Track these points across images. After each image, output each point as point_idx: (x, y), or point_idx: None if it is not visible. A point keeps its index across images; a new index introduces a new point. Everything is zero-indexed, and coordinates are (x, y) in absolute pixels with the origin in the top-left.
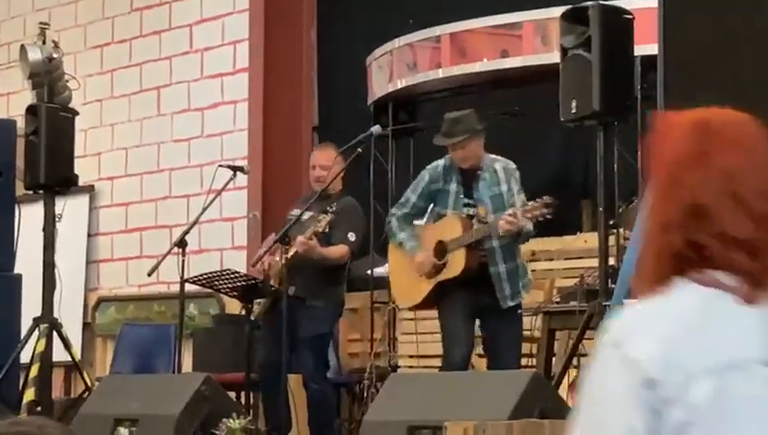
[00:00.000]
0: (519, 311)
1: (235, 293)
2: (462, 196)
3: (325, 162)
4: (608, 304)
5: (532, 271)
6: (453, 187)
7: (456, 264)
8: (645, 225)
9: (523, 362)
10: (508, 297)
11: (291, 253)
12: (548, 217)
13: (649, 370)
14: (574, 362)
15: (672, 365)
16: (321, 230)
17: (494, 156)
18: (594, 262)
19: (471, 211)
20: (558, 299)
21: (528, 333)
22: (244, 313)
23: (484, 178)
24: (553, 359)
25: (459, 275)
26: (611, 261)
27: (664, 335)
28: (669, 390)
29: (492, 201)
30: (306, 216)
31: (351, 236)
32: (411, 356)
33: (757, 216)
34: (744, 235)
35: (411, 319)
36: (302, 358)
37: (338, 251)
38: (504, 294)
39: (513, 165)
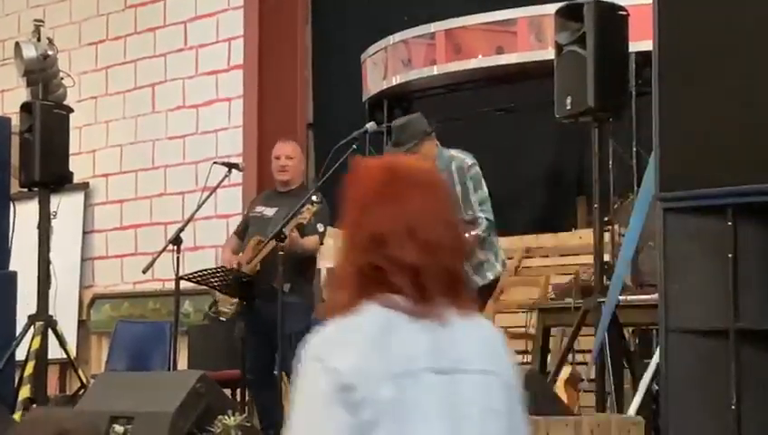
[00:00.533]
0: (485, 294)
1: (229, 290)
2: None
3: (290, 152)
4: (602, 300)
5: (527, 268)
6: None
7: None
8: (339, 253)
9: (519, 358)
10: (476, 279)
11: (266, 250)
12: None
13: (345, 377)
14: (569, 358)
15: (362, 373)
16: (306, 222)
17: (453, 152)
18: (589, 258)
19: None
20: (553, 296)
21: (523, 329)
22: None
23: (462, 177)
24: (548, 356)
25: None
26: (606, 257)
27: (355, 349)
28: (361, 393)
29: None
30: (270, 212)
31: (320, 227)
32: None
33: (424, 245)
34: (410, 260)
35: None
36: (285, 355)
37: (313, 241)
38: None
39: (469, 161)
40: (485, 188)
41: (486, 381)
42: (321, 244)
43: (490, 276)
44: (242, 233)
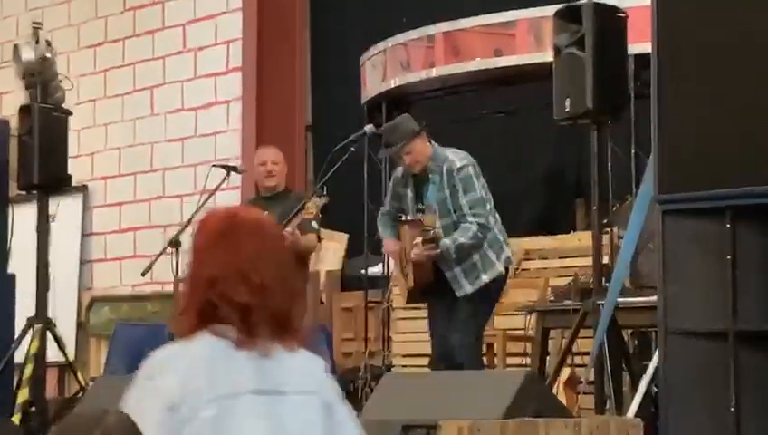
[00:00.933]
0: (483, 295)
1: None
2: (415, 201)
3: (275, 157)
4: (601, 302)
5: (525, 270)
6: (408, 192)
7: (410, 278)
8: (183, 288)
9: (518, 360)
10: (466, 286)
11: None
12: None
13: (172, 397)
14: (568, 360)
15: (188, 394)
16: (312, 216)
17: (449, 153)
18: (588, 260)
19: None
20: (552, 298)
21: (522, 331)
22: None
23: (433, 182)
24: (548, 358)
25: (415, 288)
26: (605, 259)
27: (184, 371)
28: (186, 412)
29: (439, 206)
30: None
31: (315, 225)
32: (405, 355)
33: (254, 287)
34: (240, 299)
35: (405, 318)
36: None
37: (312, 239)
38: (464, 291)
39: (459, 163)
40: (479, 190)
41: (306, 400)
42: (320, 240)
43: (485, 279)
44: None
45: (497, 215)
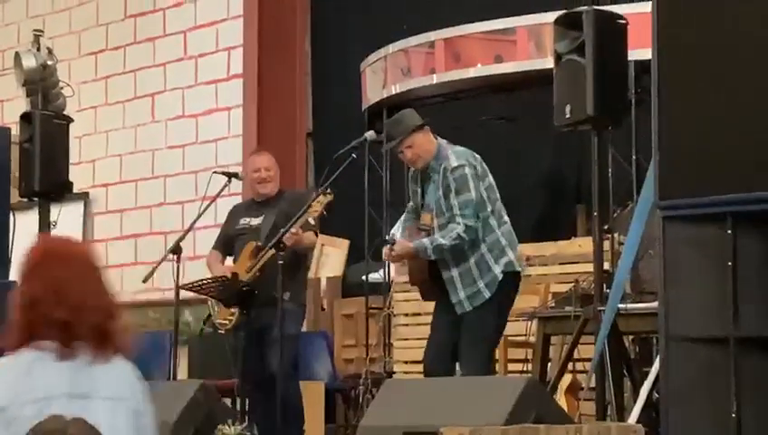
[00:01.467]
0: (483, 310)
1: (229, 298)
2: (422, 199)
3: (268, 164)
4: (602, 308)
5: (527, 276)
6: (418, 189)
7: (408, 273)
8: (13, 310)
9: (519, 367)
10: (464, 301)
11: (266, 258)
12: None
13: (2, 400)
14: (570, 367)
15: (12, 398)
16: (317, 214)
17: (451, 151)
18: (589, 267)
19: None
20: (553, 304)
21: (523, 338)
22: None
23: (433, 181)
24: (549, 364)
25: (412, 283)
26: (606, 266)
27: (8, 379)
28: (11, 413)
29: (436, 205)
30: (256, 222)
31: (312, 221)
32: (406, 362)
33: (70, 306)
34: (59, 317)
35: (406, 324)
36: (275, 359)
37: (311, 236)
38: (458, 298)
39: (454, 163)
40: (474, 192)
41: (115, 405)
42: (317, 235)
43: (480, 285)
44: (223, 247)
45: (505, 217)
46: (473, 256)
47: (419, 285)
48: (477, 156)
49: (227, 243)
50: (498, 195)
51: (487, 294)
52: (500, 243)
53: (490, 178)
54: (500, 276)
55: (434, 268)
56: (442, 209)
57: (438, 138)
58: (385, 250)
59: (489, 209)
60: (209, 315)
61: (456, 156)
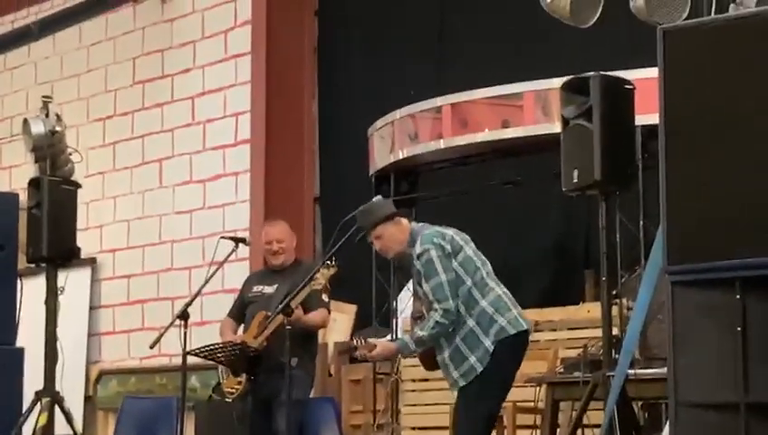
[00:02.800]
0: (478, 384)
1: (236, 365)
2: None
3: (280, 236)
4: (611, 374)
5: (535, 341)
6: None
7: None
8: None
9: (527, 433)
10: (458, 380)
11: (275, 324)
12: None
13: None
14: (579, 433)
15: None
16: (320, 287)
17: (419, 237)
18: (597, 332)
19: None
20: (561, 370)
21: (532, 404)
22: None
23: (415, 267)
24: (558, 430)
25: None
26: (615, 331)
27: None
28: None
29: (421, 294)
30: (270, 290)
31: (326, 298)
32: (414, 428)
33: None
34: None
35: (414, 390)
36: (282, 422)
37: (320, 316)
38: (453, 379)
39: (419, 249)
40: (442, 274)
41: None
42: (329, 312)
43: (473, 361)
44: (237, 314)
45: (491, 284)
46: (459, 332)
47: (419, 358)
48: (449, 233)
49: (241, 310)
50: (481, 263)
51: (479, 368)
52: (487, 313)
53: (467, 249)
54: (491, 348)
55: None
56: (421, 296)
57: (413, 224)
58: (361, 350)
59: (469, 283)
60: (218, 383)
61: (422, 241)
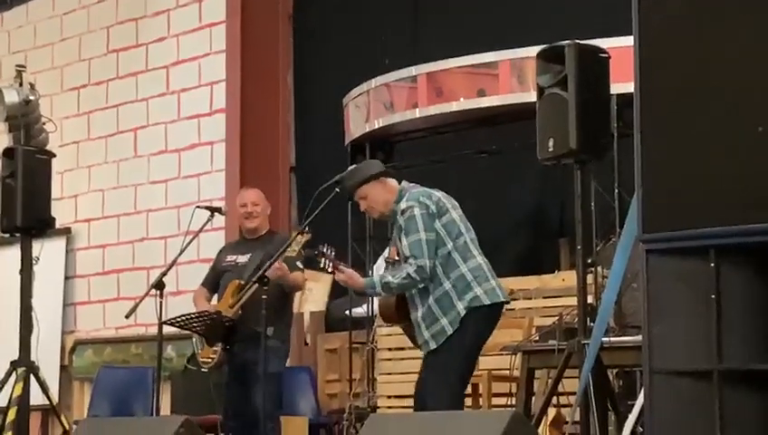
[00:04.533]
0: (447, 348)
1: (212, 334)
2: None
3: (256, 198)
4: (586, 342)
5: (511, 309)
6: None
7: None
8: None
9: (503, 401)
10: (429, 340)
11: (249, 293)
12: (327, 268)
13: None
14: (554, 400)
15: None
16: (294, 254)
17: (407, 195)
18: (573, 300)
19: None
20: (536, 338)
21: (507, 372)
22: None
23: (398, 223)
24: (533, 398)
25: (384, 320)
26: (590, 299)
27: None
28: None
29: (399, 250)
30: (244, 259)
31: (299, 264)
32: (390, 396)
33: None
34: None
35: (390, 359)
36: (259, 396)
37: (299, 277)
38: (423, 338)
39: (403, 205)
40: (422, 232)
41: None
42: (304, 280)
43: (444, 323)
44: (211, 284)
45: (474, 252)
46: (434, 293)
47: (402, 329)
48: (437, 194)
49: (215, 279)
50: (466, 229)
51: (449, 330)
52: (465, 278)
53: (453, 213)
54: (463, 313)
55: (408, 310)
56: (400, 251)
57: (404, 183)
58: (328, 260)
59: (450, 246)
60: (193, 353)
61: (407, 198)
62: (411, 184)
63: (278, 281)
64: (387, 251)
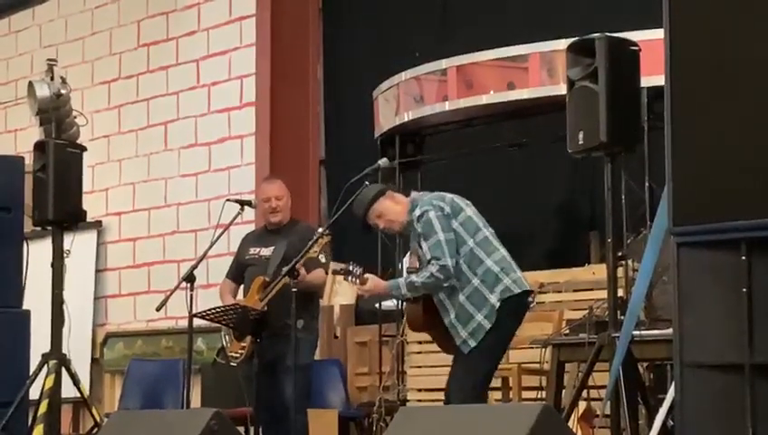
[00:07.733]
0: (486, 342)
1: (242, 327)
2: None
3: (279, 192)
4: (617, 335)
5: (541, 303)
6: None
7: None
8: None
9: (533, 394)
10: (468, 339)
11: (277, 287)
12: (354, 283)
13: None
14: (584, 394)
15: None
16: (316, 255)
17: (420, 202)
18: (603, 293)
19: None
20: (567, 331)
21: (537, 365)
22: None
23: (416, 230)
24: (563, 391)
25: (411, 329)
26: (620, 292)
27: None
28: None
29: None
30: (267, 252)
31: (323, 258)
32: (420, 389)
33: None
34: None
35: (420, 352)
36: (289, 389)
37: (319, 275)
38: (461, 338)
39: (418, 211)
40: (440, 232)
41: None
42: (327, 274)
43: (480, 318)
44: (236, 275)
45: (496, 244)
46: (464, 291)
47: (432, 336)
48: (449, 196)
49: (239, 271)
50: (482, 224)
51: (488, 325)
52: (492, 271)
53: (468, 211)
54: (497, 304)
55: (436, 317)
56: (421, 257)
57: (413, 193)
58: (353, 280)
59: (471, 243)
60: (222, 347)
61: (421, 205)
62: (421, 193)
63: (299, 285)
64: (407, 260)
